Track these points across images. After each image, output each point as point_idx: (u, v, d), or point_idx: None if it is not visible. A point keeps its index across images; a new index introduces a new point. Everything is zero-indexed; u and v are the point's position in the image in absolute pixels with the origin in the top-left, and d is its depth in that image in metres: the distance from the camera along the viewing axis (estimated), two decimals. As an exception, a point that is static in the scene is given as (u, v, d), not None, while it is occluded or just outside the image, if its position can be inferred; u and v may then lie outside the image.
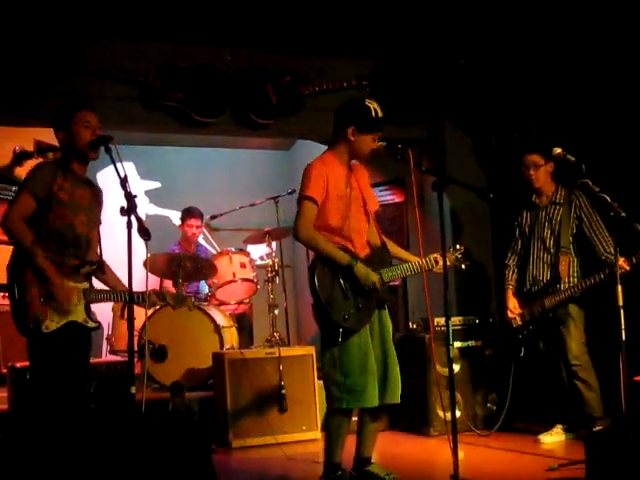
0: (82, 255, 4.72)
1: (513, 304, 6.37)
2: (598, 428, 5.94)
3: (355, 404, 4.66)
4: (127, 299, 4.35)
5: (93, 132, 4.66)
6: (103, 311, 4.76)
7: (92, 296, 4.72)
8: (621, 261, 5.51)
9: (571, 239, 6.19)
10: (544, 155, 6.17)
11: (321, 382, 6.68)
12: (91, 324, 4.72)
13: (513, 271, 6.48)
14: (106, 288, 4.87)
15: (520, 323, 6.29)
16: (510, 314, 6.35)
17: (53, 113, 4.81)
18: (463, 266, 5.06)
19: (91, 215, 4.80)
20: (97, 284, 4.87)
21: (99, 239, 4.87)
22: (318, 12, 6.88)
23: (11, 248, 4.68)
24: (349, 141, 4.79)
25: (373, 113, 4.74)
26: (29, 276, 4.49)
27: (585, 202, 6.11)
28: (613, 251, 5.43)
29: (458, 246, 5.07)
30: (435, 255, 4.84)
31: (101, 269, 4.82)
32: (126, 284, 4.56)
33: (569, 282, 6.12)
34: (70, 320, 4.58)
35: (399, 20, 7.14)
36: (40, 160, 6.05)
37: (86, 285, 4.71)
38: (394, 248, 5.02)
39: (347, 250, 4.76)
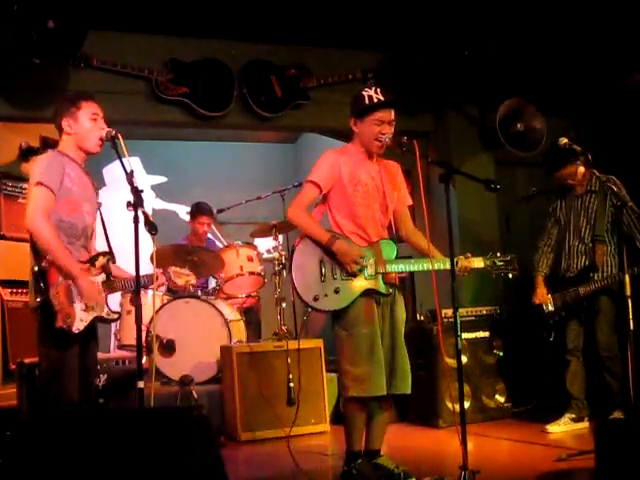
0: (90, 246, 4.72)
1: (541, 290, 6.38)
2: (617, 415, 6.03)
3: (361, 392, 4.66)
4: (136, 282, 4.31)
5: (99, 124, 4.65)
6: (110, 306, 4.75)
7: (110, 287, 4.72)
8: None
9: (608, 227, 6.19)
10: (571, 162, 6.17)
11: (330, 374, 6.72)
12: (112, 316, 4.73)
13: (546, 258, 6.49)
14: (118, 277, 4.84)
15: (552, 309, 6.32)
16: (537, 300, 6.37)
17: (58, 102, 4.78)
18: (510, 275, 4.95)
19: (93, 204, 4.79)
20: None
21: (105, 229, 4.85)
22: (322, 4, 6.87)
23: (23, 245, 4.64)
24: (355, 132, 4.87)
25: (366, 100, 4.79)
26: (54, 277, 4.44)
27: (620, 189, 6.07)
28: None
29: (499, 254, 4.87)
30: (461, 262, 4.76)
31: (113, 258, 4.79)
32: (127, 274, 4.65)
33: (605, 271, 6.14)
34: (96, 316, 4.59)
35: (404, 12, 7.13)
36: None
37: (104, 277, 4.70)
38: (421, 241, 4.93)
39: (361, 236, 4.78)
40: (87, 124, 4.63)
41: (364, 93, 4.81)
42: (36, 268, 4.47)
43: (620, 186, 6.06)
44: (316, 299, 4.69)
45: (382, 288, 4.77)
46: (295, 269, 4.77)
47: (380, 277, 4.76)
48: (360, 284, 4.73)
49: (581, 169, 6.25)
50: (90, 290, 4.51)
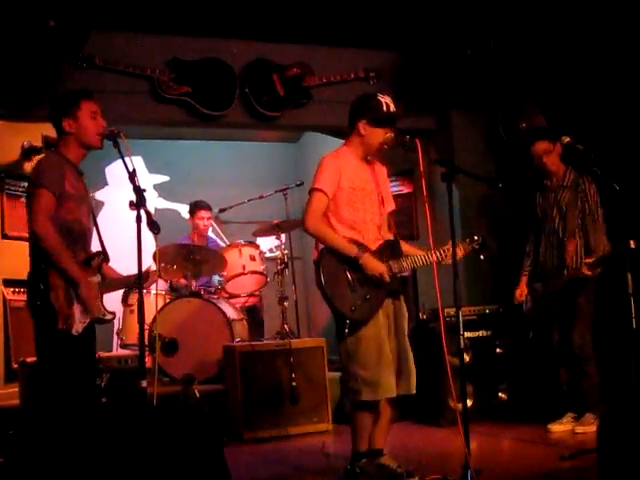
0: (88, 248, 4.72)
1: (520, 291, 6.44)
2: (588, 417, 6.03)
3: (374, 395, 4.66)
4: (138, 279, 4.30)
5: (99, 123, 4.65)
6: (113, 306, 4.75)
7: (105, 288, 4.72)
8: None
9: (579, 222, 6.18)
10: (551, 140, 6.18)
11: (332, 374, 6.72)
12: (109, 316, 4.72)
13: (528, 256, 6.52)
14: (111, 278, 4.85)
15: (529, 306, 6.37)
16: (515, 300, 6.43)
17: (55, 101, 4.73)
18: (482, 257, 5.04)
19: (89, 205, 4.79)
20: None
21: (98, 229, 4.85)
22: (325, 3, 6.87)
23: (26, 245, 4.63)
24: (361, 135, 4.83)
25: (384, 107, 4.77)
26: (54, 280, 4.43)
27: (589, 190, 6.11)
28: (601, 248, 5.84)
29: (476, 237, 5.03)
30: (446, 247, 4.83)
31: (107, 260, 4.79)
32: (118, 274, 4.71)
33: (574, 266, 6.12)
34: (93, 317, 4.58)
35: (406, 11, 7.13)
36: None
37: (99, 278, 4.70)
38: (404, 246, 5.02)
39: (359, 242, 4.77)
40: (87, 123, 4.62)
41: (381, 99, 4.78)
42: (36, 270, 4.48)
43: (590, 186, 6.07)
44: (353, 310, 4.68)
45: (400, 287, 4.85)
46: (326, 283, 4.71)
47: (394, 276, 4.79)
48: (384, 287, 4.76)
49: (557, 152, 6.24)
50: (90, 292, 4.50)
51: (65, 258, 4.43)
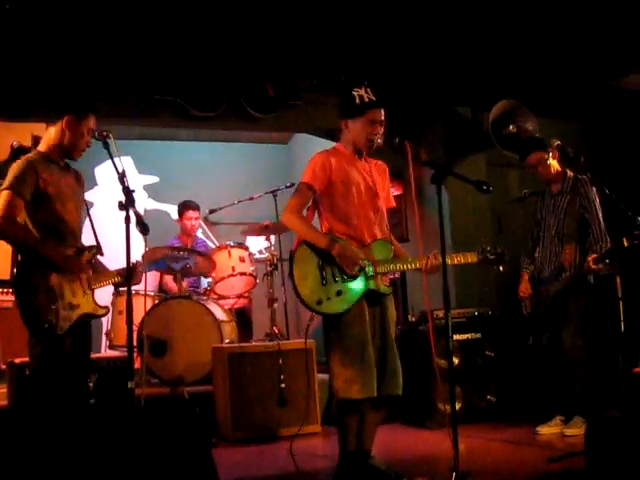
0: (77, 243, 4.72)
1: (525, 285, 6.42)
2: (576, 422, 6.06)
3: (354, 394, 4.65)
4: (127, 273, 4.32)
5: (87, 140, 4.67)
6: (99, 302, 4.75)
7: (96, 282, 4.71)
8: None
9: (576, 227, 6.19)
10: (543, 149, 6.20)
11: (321, 376, 6.72)
12: (101, 311, 4.72)
13: (527, 255, 6.53)
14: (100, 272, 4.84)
15: (529, 311, 6.37)
16: (521, 293, 6.42)
17: (70, 93, 4.79)
18: (501, 268, 4.96)
19: (77, 201, 4.78)
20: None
21: (92, 224, 4.85)
22: (314, 4, 6.86)
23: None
24: (345, 133, 4.86)
25: (357, 99, 4.77)
26: (35, 280, 4.45)
27: (589, 191, 6.12)
28: (602, 245, 5.79)
29: (488, 247, 4.82)
30: (434, 252, 4.78)
31: (101, 253, 4.79)
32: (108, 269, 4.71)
33: (571, 271, 6.14)
34: (82, 313, 4.58)
35: (395, 12, 7.11)
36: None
37: (89, 273, 4.70)
38: (398, 249, 4.99)
39: (353, 237, 4.76)
40: (80, 136, 4.64)
41: (354, 93, 4.78)
42: (17, 270, 4.49)
43: (589, 186, 6.08)
44: (319, 303, 4.66)
45: (382, 288, 4.77)
46: (296, 274, 4.70)
47: (379, 277, 4.76)
48: (361, 285, 4.72)
49: (554, 162, 6.26)
50: (75, 265, 4.55)
51: (38, 247, 4.47)
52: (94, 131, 4.65)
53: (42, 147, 4.72)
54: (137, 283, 4.79)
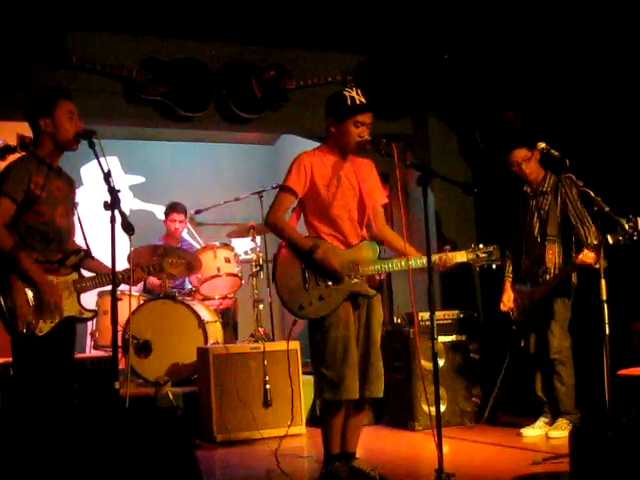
0: (65, 247, 4.69)
1: (507, 297, 6.42)
2: (561, 423, 6.07)
3: (335, 396, 4.65)
4: (113, 283, 4.28)
5: (76, 123, 4.62)
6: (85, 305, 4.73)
7: (81, 286, 4.68)
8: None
9: (558, 228, 6.19)
10: (529, 147, 6.19)
11: (306, 377, 6.71)
12: (87, 314, 4.70)
13: (510, 262, 6.50)
14: (91, 274, 4.80)
15: (516, 314, 6.36)
16: (502, 306, 6.40)
17: (32, 99, 4.71)
18: (494, 266, 4.95)
19: (68, 205, 4.74)
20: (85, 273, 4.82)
21: (82, 226, 4.82)
22: (303, 6, 6.87)
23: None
24: (332, 133, 4.80)
25: (348, 101, 4.72)
26: (15, 282, 4.42)
27: (570, 190, 6.11)
28: (594, 240, 5.66)
29: (481, 245, 4.85)
30: (447, 248, 4.78)
31: (90, 255, 4.76)
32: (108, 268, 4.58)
33: (555, 272, 6.14)
34: (65, 316, 4.56)
35: (384, 15, 7.13)
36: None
37: (75, 276, 4.66)
38: (398, 242, 4.92)
39: (339, 238, 4.75)
40: (64, 122, 4.59)
41: (345, 94, 4.74)
42: None
43: (571, 185, 6.05)
44: (301, 308, 4.66)
45: (367, 291, 4.76)
46: (279, 278, 4.70)
47: (364, 279, 4.75)
48: (345, 287, 4.69)
49: (535, 158, 6.25)
50: (51, 292, 4.48)
51: (18, 260, 4.42)
52: (74, 113, 4.61)
53: (36, 148, 4.67)
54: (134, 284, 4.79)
